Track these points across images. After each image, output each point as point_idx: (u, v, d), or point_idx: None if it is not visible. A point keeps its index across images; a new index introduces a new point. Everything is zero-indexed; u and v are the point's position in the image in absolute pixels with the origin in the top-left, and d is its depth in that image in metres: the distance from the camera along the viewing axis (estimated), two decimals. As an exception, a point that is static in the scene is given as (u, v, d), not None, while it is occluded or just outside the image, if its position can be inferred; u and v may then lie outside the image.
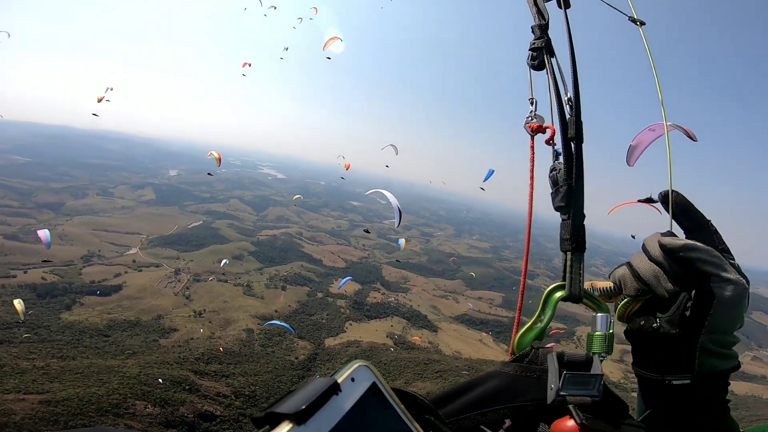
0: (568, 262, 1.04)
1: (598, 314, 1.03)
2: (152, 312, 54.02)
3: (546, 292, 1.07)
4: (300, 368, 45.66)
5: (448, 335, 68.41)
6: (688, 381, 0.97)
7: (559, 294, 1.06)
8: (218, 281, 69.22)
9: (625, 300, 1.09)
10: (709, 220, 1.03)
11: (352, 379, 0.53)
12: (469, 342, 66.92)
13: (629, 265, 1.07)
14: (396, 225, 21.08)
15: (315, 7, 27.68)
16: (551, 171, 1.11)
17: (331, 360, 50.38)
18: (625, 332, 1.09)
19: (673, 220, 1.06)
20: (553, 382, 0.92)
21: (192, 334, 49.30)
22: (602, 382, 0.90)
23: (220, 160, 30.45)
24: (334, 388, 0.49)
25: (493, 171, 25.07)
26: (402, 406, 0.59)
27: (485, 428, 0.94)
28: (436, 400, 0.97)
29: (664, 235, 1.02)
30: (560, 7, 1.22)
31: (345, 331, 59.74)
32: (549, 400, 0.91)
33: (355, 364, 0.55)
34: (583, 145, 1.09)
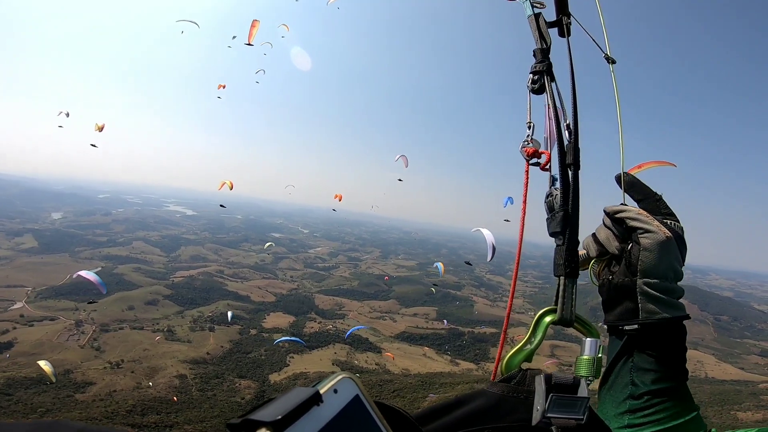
0: (561, 287, 1.05)
1: (588, 339, 1.04)
2: (57, 367, 45.02)
3: (537, 315, 1.08)
4: (250, 409, 41.36)
5: (393, 354, 68.17)
6: (636, 326, 1.07)
7: (549, 318, 1.06)
8: (132, 329, 61.14)
9: (592, 261, 1.23)
10: (655, 192, 1.18)
11: (335, 391, 0.51)
12: (413, 358, 67.19)
13: (593, 233, 1.23)
14: (488, 259, 20.53)
15: (285, 24, 26.12)
16: (547, 197, 1.12)
17: (281, 395, 46.85)
18: (598, 290, 1.21)
19: (626, 194, 1.22)
20: (539, 404, 0.92)
21: (113, 386, 42.58)
22: (587, 407, 0.91)
23: (232, 185, 27.45)
24: (316, 399, 0.47)
25: (511, 198, 24.89)
26: (384, 421, 0.57)
27: None
28: (421, 416, 0.95)
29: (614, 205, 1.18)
30: (562, 35, 1.26)
31: (288, 365, 56.34)
32: (534, 422, 0.91)
33: (339, 376, 0.54)
34: (579, 171, 1.10)
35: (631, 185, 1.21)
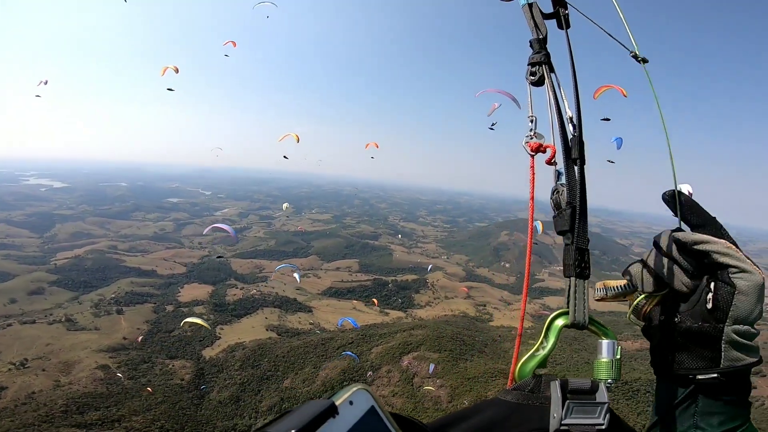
0: (572, 288, 1.00)
1: (604, 340, 1.01)
2: (-50, 376, 38.92)
3: (549, 318, 1.06)
4: (193, 389, 39.59)
5: (323, 311, 69.23)
6: (715, 375, 0.94)
7: (562, 321, 1.04)
8: (23, 324, 52.66)
9: (641, 297, 1.11)
10: (715, 217, 1.04)
11: (351, 402, 0.52)
12: (345, 312, 68.57)
13: (643, 261, 1.09)
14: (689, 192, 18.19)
15: None
16: (553, 193, 1.08)
17: (222, 370, 45.23)
18: (643, 330, 1.11)
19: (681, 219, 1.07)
20: (555, 411, 0.90)
21: (29, 387, 37.50)
22: (608, 410, 0.89)
23: (298, 138, 25.23)
24: (332, 411, 0.48)
25: (620, 139, 24.00)
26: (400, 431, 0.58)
27: None
28: (436, 426, 0.95)
29: (674, 231, 1.04)
30: (560, 27, 1.22)
31: (220, 338, 54.13)
32: (551, 430, 0.90)
33: (354, 388, 0.54)
34: (585, 166, 1.05)
35: (690, 208, 1.05)
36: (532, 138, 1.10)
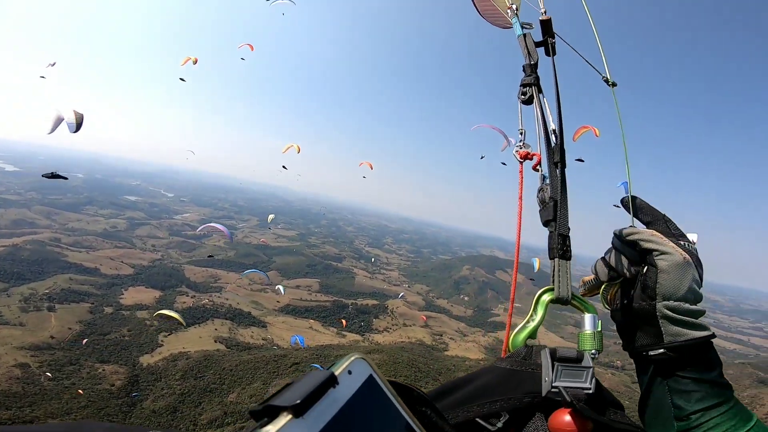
0: (556, 268, 1.12)
1: (586, 314, 1.11)
2: None
3: (537, 294, 1.17)
4: (124, 395, 35.97)
5: (278, 328, 66.43)
6: (662, 350, 1.04)
7: (548, 296, 1.14)
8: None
9: (604, 286, 1.24)
10: (664, 214, 1.19)
11: (349, 372, 0.53)
12: (300, 331, 66.02)
13: (602, 257, 1.23)
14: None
15: None
16: (539, 192, 1.22)
17: (160, 379, 41.72)
18: (611, 315, 1.23)
19: (634, 218, 1.22)
20: (546, 375, 0.97)
21: None
22: (594, 376, 0.97)
23: (299, 149, 25.60)
24: (332, 381, 0.49)
25: (626, 183, 24.04)
26: (399, 399, 0.59)
27: (481, 421, 0.97)
28: (434, 393, 1.02)
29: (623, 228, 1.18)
30: (547, 54, 1.39)
31: (162, 345, 50.31)
32: (543, 392, 0.97)
33: (352, 357, 0.55)
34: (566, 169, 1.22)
35: (640, 208, 1.21)
36: (521, 147, 1.29)
